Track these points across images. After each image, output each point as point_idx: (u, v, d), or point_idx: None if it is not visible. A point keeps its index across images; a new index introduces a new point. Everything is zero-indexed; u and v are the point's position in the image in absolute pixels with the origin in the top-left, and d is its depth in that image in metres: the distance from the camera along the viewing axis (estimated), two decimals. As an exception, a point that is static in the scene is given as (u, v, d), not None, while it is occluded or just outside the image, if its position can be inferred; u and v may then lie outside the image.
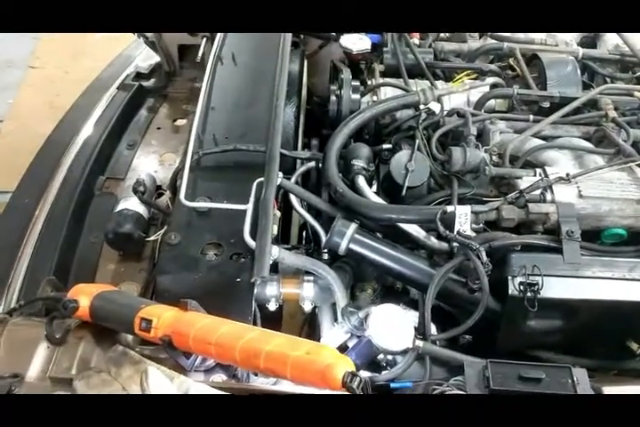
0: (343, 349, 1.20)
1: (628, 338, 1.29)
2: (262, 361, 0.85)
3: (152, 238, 1.57)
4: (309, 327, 1.53)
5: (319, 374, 0.81)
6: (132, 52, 2.53)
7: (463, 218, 1.18)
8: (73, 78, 4.04)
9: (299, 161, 1.54)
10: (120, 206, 1.60)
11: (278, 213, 1.27)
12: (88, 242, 1.65)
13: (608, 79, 1.78)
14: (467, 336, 1.36)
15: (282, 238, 1.66)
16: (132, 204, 1.60)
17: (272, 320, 1.36)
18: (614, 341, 1.29)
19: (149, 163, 1.97)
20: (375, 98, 1.60)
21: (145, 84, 2.25)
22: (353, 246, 1.24)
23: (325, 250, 1.35)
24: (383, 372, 1.20)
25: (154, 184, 1.73)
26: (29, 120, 3.59)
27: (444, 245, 1.26)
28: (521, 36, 1.87)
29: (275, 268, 1.32)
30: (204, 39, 2.00)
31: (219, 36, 1.86)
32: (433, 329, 1.36)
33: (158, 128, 2.12)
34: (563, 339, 1.24)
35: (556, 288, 1.14)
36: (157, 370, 0.87)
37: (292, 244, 1.69)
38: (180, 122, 2.18)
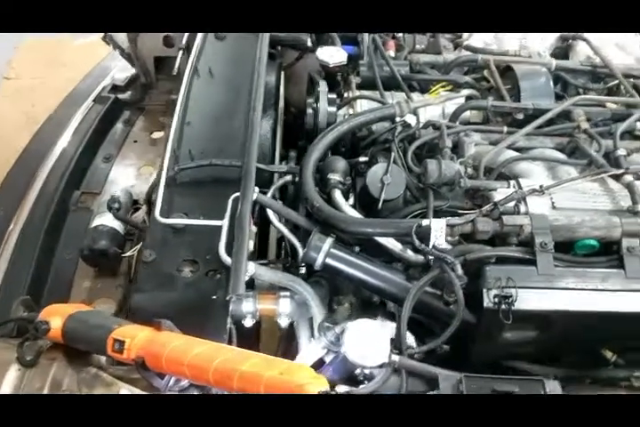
0: (321, 363, 1.20)
1: (602, 347, 1.31)
2: (236, 382, 0.84)
3: (128, 254, 1.56)
4: (288, 343, 1.52)
5: (293, 395, 0.80)
6: (110, 62, 2.52)
7: (438, 231, 1.18)
8: (50, 88, 4.00)
9: (276, 174, 1.54)
10: (95, 222, 1.59)
11: (254, 229, 1.27)
12: (63, 258, 1.63)
13: (581, 90, 1.80)
14: (445, 346, 1.37)
15: (260, 252, 1.66)
16: (108, 219, 1.59)
17: (249, 338, 1.36)
18: (589, 350, 1.31)
19: (126, 176, 1.96)
20: (351, 110, 1.61)
21: (121, 96, 2.25)
22: (329, 261, 1.24)
23: (303, 264, 1.35)
24: (361, 386, 1.20)
25: (130, 199, 1.72)
26: (5, 131, 3.55)
27: (420, 258, 1.26)
28: (495, 47, 1.89)
29: (251, 283, 1.32)
30: (181, 51, 1.99)
31: (195, 48, 1.86)
32: (411, 340, 1.37)
33: (135, 141, 2.11)
34: (538, 349, 1.25)
35: (530, 300, 1.15)
36: (129, 392, 0.86)
37: (269, 258, 1.69)
38: (157, 134, 2.17)
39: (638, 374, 1.29)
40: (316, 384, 0.81)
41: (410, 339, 1.35)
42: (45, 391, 0.96)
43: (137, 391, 0.90)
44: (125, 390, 0.87)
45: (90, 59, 2.77)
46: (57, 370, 1.00)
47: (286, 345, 1.50)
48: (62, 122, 2.15)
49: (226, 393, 0.94)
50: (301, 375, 0.83)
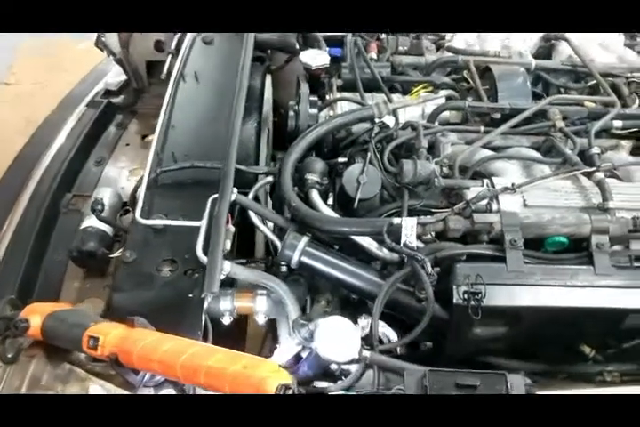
0: (298, 359, 1.23)
1: (579, 342, 1.33)
2: (202, 377, 0.87)
3: (115, 255, 1.59)
4: (273, 340, 1.55)
5: (254, 388, 0.84)
6: (105, 67, 2.57)
7: (409, 230, 1.21)
8: (50, 93, 4.05)
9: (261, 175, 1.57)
10: (84, 224, 1.62)
11: (232, 229, 1.30)
12: (53, 259, 1.67)
13: (562, 89, 1.82)
14: (427, 343, 1.40)
15: (247, 251, 1.69)
16: (97, 221, 1.62)
17: (234, 336, 1.39)
18: (565, 346, 1.33)
19: (117, 179, 2.00)
20: (332, 112, 1.64)
21: (114, 100, 2.29)
22: (304, 259, 1.27)
23: (283, 263, 1.38)
24: (339, 382, 1.23)
25: (119, 201, 1.75)
26: (7, 136, 3.60)
27: (396, 256, 1.29)
28: (477, 48, 1.92)
29: (232, 282, 1.35)
30: (170, 55, 2.04)
31: (182, 52, 1.90)
32: (394, 337, 1.40)
33: (127, 144, 2.15)
34: (511, 345, 1.27)
35: (499, 296, 1.17)
36: (101, 388, 0.89)
37: (257, 257, 1.73)
38: (150, 138, 2.21)
39: (611, 369, 1.31)
40: (277, 378, 0.84)
41: (393, 335, 1.39)
42: (24, 388, 1.00)
43: (109, 386, 0.94)
44: (97, 386, 0.91)
45: (91, 63, 2.82)
46: (36, 367, 1.03)
47: (272, 343, 1.54)
48: (56, 126, 2.20)
49: (197, 393, 0.98)
50: (263, 369, 0.86)
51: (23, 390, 0.99)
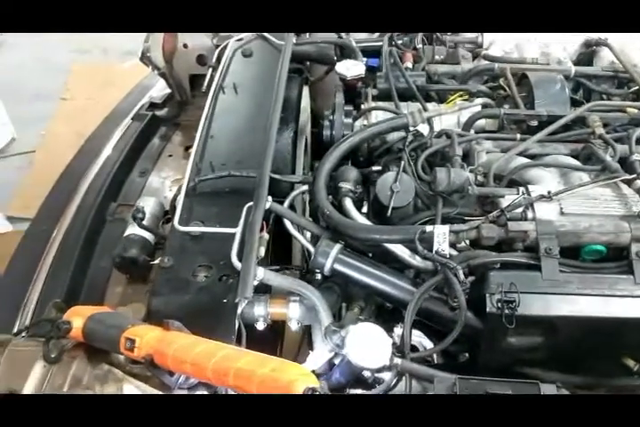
0: (332, 366, 1.24)
1: (623, 355, 1.29)
2: (231, 379, 0.90)
3: (157, 262, 1.65)
4: (308, 346, 1.57)
5: (282, 390, 0.85)
6: (150, 81, 2.67)
7: (441, 237, 1.21)
8: (102, 108, 4.23)
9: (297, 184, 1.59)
10: (127, 231, 1.68)
11: (266, 236, 1.33)
12: (99, 266, 1.74)
13: (604, 96, 1.79)
14: (466, 354, 1.39)
15: (286, 259, 1.72)
16: (139, 229, 1.68)
17: (269, 341, 1.41)
18: (607, 358, 1.29)
19: (160, 189, 2.07)
20: (366, 121, 1.65)
21: (158, 113, 2.37)
22: (337, 266, 1.28)
23: (317, 270, 1.39)
24: (373, 390, 1.23)
25: (161, 210, 1.81)
26: (59, 150, 3.76)
27: (429, 264, 1.28)
28: (515, 55, 1.90)
29: (268, 288, 1.37)
30: (210, 69, 2.10)
31: (222, 65, 1.96)
32: (429, 345, 1.39)
33: (170, 155, 2.23)
34: (548, 356, 1.24)
35: (534, 305, 1.15)
36: (136, 388, 0.92)
37: (294, 264, 1.75)
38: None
39: (655, 383, 1.27)
40: (304, 381, 0.86)
41: (430, 346, 1.38)
42: (66, 386, 1.04)
43: (145, 388, 0.97)
44: (132, 386, 0.94)
45: (139, 79, 2.93)
46: (77, 367, 1.07)
47: (308, 349, 1.55)
48: (104, 138, 2.30)
49: (230, 393, 1.00)
50: (291, 372, 0.88)
51: (65, 389, 1.04)
